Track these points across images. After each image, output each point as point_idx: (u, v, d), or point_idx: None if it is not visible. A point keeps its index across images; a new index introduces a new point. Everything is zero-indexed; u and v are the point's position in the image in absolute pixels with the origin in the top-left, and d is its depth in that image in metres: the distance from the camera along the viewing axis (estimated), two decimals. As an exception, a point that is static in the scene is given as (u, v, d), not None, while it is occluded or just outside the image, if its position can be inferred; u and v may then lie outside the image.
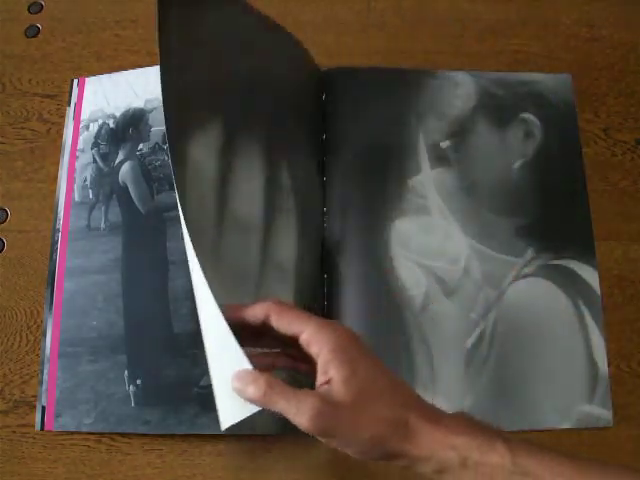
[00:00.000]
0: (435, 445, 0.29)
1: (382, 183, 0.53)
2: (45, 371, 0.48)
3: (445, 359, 0.49)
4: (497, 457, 0.28)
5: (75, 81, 0.57)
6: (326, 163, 0.53)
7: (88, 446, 0.47)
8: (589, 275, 0.51)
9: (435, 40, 0.60)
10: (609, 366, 0.50)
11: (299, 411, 0.29)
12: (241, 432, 0.46)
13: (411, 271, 0.50)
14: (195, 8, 0.42)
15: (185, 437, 0.47)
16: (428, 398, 0.30)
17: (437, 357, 0.49)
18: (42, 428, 0.47)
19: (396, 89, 0.56)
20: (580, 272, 0.52)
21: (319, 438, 0.30)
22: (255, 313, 0.33)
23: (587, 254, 0.52)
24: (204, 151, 0.43)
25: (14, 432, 0.48)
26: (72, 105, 0.56)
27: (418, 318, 0.49)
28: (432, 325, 0.49)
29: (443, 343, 0.49)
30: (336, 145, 0.54)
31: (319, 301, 0.50)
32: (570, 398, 0.48)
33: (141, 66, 0.58)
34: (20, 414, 0.48)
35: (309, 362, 0.33)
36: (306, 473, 0.47)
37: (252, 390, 0.30)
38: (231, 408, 0.32)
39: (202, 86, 0.43)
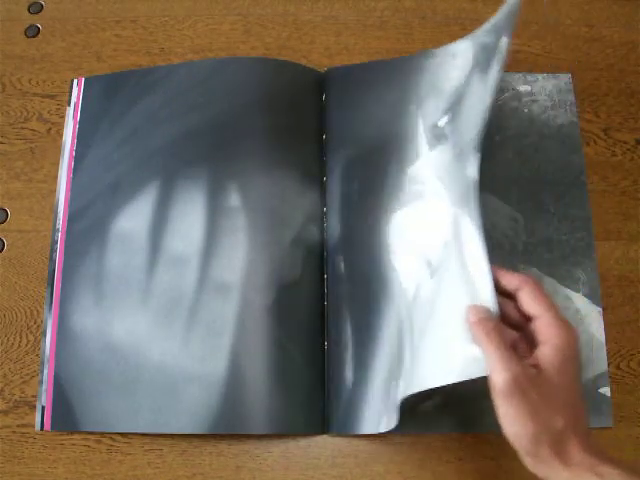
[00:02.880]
0: (582, 471, 0.30)
1: (381, 180, 0.52)
2: (45, 371, 0.48)
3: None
4: None
5: (75, 81, 0.57)
6: (326, 163, 0.53)
7: (88, 446, 0.47)
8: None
9: (435, 40, 0.60)
10: (609, 366, 0.50)
11: (503, 367, 0.31)
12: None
13: (410, 265, 0.49)
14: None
15: (185, 437, 0.47)
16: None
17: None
18: (42, 428, 0.47)
19: (395, 79, 0.54)
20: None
21: (495, 401, 0.32)
22: (511, 280, 0.36)
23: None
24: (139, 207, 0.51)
25: (14, 432, 0.48)
26: (72, 105, 0.56)
27: (411, 310, 0.48)
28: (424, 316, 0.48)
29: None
30: (336, 145, 0.54)
31: (313, 303, 0.50)
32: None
33: (141, 66, 0.58)
34: (20, 414, 0.48)
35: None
36: (306, 473, 0.47)
37: (481, 324, 0.33)
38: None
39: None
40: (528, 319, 0.35)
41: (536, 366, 0.32)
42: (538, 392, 0.31)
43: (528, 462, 0.32)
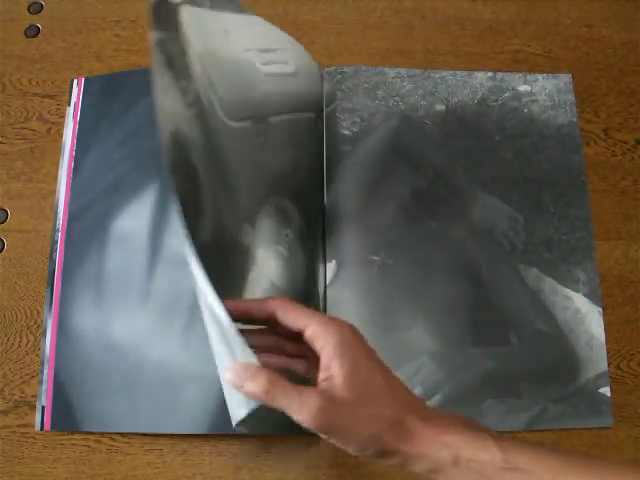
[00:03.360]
0: (428, 444, 0.29)
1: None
2: (45, 371, 0.48)
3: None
4: (488, 454, 0.29)
5: (75, 81, 0.57)
6: (327, 163, 0.53)
7: (88, 446, 0.47)
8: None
9: (435, 40, 0.60)
10: (609, 366, 0.50)
11: (302, 408, 0.29)
12: (254, 432, 0.45)
13: None
14: None
15: (185, 437, 0.47)
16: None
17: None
18: (42, 428, 0.47)
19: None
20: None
21: (320, 435, 0.30)
22: (261, 308, 0.34)
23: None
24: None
25: (14, 432, 0.48)
26: (72, 105, 0.56)
27: None
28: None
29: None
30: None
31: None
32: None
33: (141, 66, 0.58)
34: (20, 414, 0.48)
35: (308, 359, 0.34)
36: (306, 473, 0.47)
37: (252, 385, 0.29)
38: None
39: None
40: (299, 335, 0.33)
41: (330, 377, 0.30)
42: (347, 403, 0.29)
43: (383, 461, 0.31)
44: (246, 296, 0.44)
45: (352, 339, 0.31)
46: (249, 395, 0.30)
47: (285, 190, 0.49)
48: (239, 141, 0.46)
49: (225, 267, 0.43)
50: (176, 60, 0.40)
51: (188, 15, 0.44)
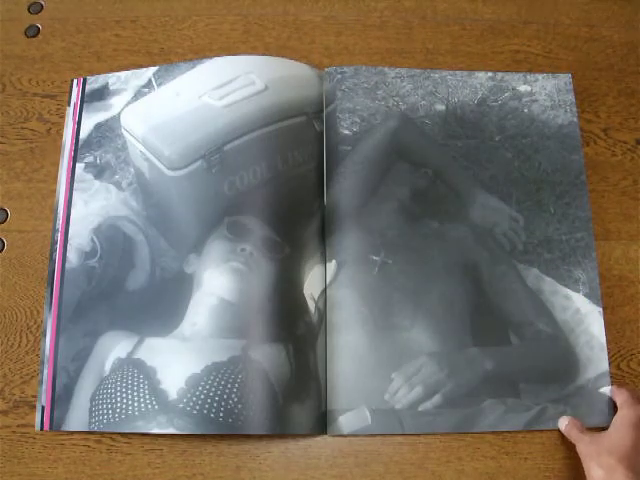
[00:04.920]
0: None
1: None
2: (45, 371, 0.48)
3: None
4: None
5: (75, 81, 0.57)
6: (327, 163, 0.53)
7: (88, 446, 0.47)
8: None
9: (435, 40, 0.60)
10: (609, 366, 0.50)
11: (577, 441, 0.46)
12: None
13: None
14: None
15: (185, 437, 0.47)
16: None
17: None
18: (42, 428, 0.47)
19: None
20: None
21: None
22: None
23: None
24: None
25: (14, 432, 0.48)
26: (72, 105, 0.56)
27: None
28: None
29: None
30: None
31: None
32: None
33: (142, 66, 0.58)
34: (20, 414, 0.48)
35: None
36: (306, 473, 0.47)
37: (568, 426, 0.47)
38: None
39: None
40: None
41: (607, 431, 0.46)
42: (593, 447, 0.45)
43: None
44: (188, 316, 0.48)
45: (633, 419, 0.45)
46: (564, 429, 0.48)
47: (245, 206, 0.50)
48: (188, 183, 0.51)
49: (168, 299, 0.49)
50: (108, 166, 0.52)
51: (128, 114, 0.54)
